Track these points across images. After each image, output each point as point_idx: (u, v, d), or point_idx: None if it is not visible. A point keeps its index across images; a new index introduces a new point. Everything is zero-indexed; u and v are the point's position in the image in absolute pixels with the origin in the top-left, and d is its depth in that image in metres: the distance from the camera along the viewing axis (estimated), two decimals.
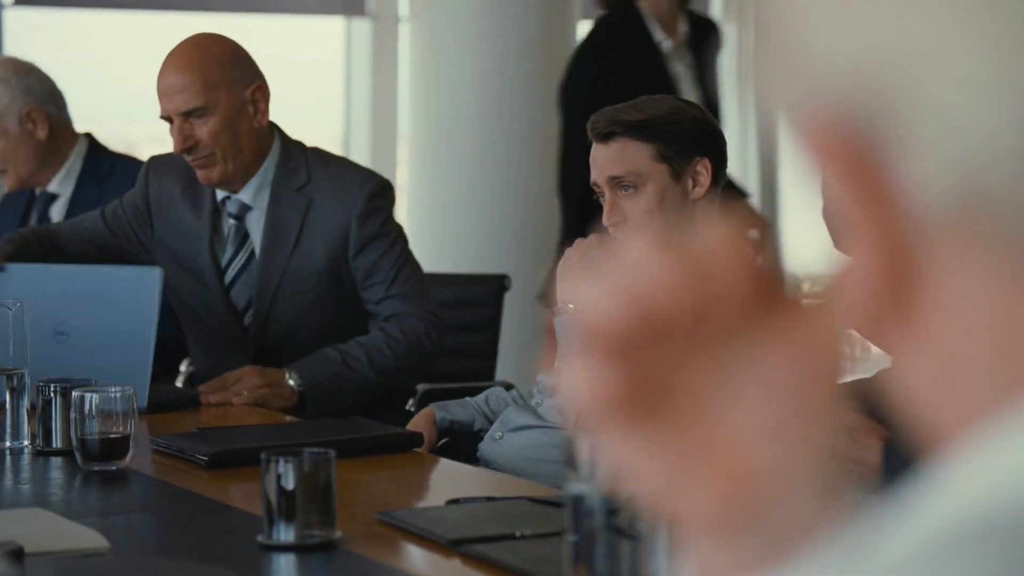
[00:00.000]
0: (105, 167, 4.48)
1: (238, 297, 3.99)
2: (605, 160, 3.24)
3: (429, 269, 4.94)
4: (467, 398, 3.65)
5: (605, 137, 3.24)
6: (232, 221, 3.99)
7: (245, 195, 3.97)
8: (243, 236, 4.00)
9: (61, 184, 4.35)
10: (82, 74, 7.38)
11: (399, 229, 3.98)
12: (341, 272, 3.93)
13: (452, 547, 2.26)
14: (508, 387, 3.73)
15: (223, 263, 3.99)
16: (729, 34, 8.17)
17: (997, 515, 0.61)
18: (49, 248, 4.01)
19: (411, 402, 4.05)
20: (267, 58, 4.04)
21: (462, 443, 3.49)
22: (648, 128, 3.23)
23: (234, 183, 3.95)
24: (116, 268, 3.87)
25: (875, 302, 0.67)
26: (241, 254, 3.99)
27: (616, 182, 3.23)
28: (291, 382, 3.74)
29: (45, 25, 6.90)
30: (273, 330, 3.94)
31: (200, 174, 3.91)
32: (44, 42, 6.98)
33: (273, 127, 3.98)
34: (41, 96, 4.49)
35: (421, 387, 4.10)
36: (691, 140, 3.26)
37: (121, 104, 7.61)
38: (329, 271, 3.93)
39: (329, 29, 7.29)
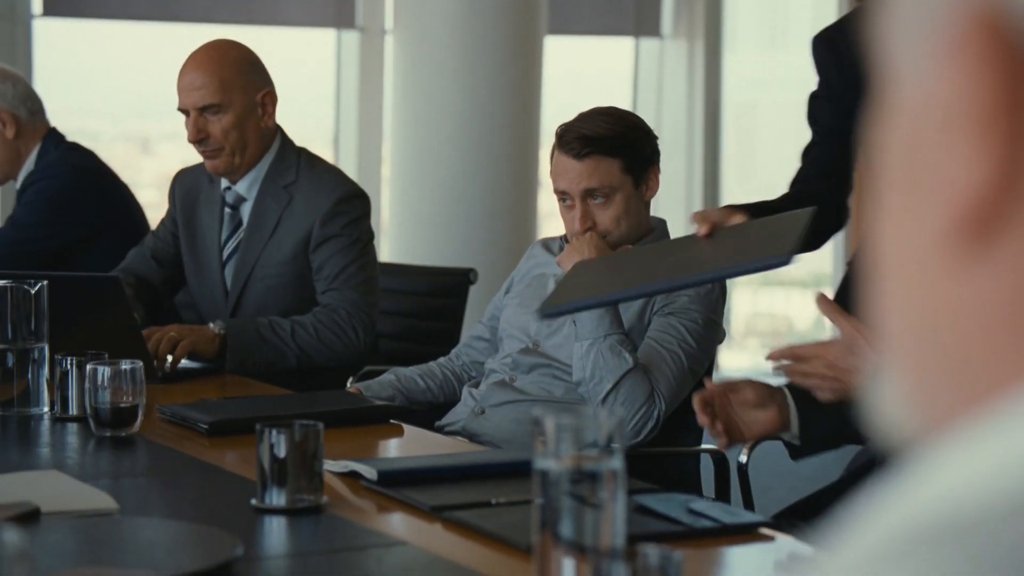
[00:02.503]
0: (51, 153, 4.59)
1: (228, 276, 4.03)
2: (581, 176, 3.27)
3: (404, 260, 4.89)
4: (380, 377, 3.62)
5: (580, 156, 3.25)
6: (228, 210, 4.04)
7: (241, 187, 4.01)
8: (237, 223, 4.06)
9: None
10: (103, 77, 7.31)
11: (361, 235, 3.96)
12: (303, 266, 3.96)
13: (434, 513, 2.20)
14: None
15: (221, 244, 3.99)
16: (679, 49, 8.14)
17: (954, 515, 0.56)
18: (141, 288, 4.07)
19: (351, 380, 4.00)
20: (267, 65, 4.04)
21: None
22: (617, 145, 3.26)
23: (236, 175, 3.98)
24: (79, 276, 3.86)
25: (978, 210, 0.58)
26: (234, 239, 4.04)
27: (589, 194, 3.25)
28: (212, 326, 3.75)
29: (70, 34, 6.87)
30: (243, 311, 3.98)
31: (208, 164, 3.99)
32: (68, 49, 6.93)
33: (278, 129, 3.99)
34: (12, 100, 4.55)
35: (367, 368, 4.05)
36: (648, 152, 3.33)
37: (137, 104, 7.55)
38: (293, 263, 3.95)
39: (322, 40, 7.28)
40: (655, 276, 2.60)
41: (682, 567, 1.47)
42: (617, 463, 1.60)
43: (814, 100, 3.41)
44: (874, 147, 0.62)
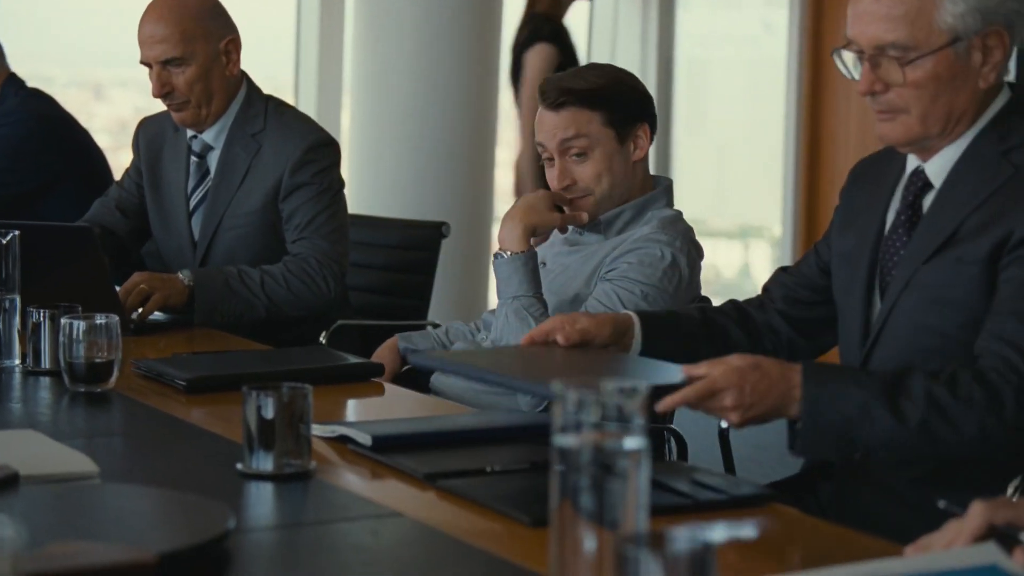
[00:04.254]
0: (10, 99, 4.48)
1: (195, 226, 3.88)
2: (556, 126, 3.09)
3: (372, 213, 4.73)
4: (428, 328, 3.47)
5: (556, 106, 3.08)
6: (195, 159, 3.90)
7: (208, 135, 3.87)
8: (204, 172, 3.90)
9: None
10: (56, 23, 7.09)
11: (331, 183, 3.81)
12: (272, 215, 3.81)
13: (427, 481, 2.05)
14: (435, 326, 3.54)
15: (187, 193, 3.84)
16: (633, 6, 7.99)
17: None
18: (105, 239, 3.89)
19: (324, 334, 3.85)
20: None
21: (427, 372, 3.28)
22: (596, 97, 3.08)
23: (203, 126, 3.86)
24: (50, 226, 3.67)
25: None
26: (201, 188, 3.89)
27: (566, 148, 3.08)
28: (181, 276, 3.60)
29: None
30: (212, 261, 3.84)
31: (174, 116, 3.85)
32: None
33: (243, 76, 3.83)
34: None
35: (340, 323, 3.90)
36: (634, 107, 3.13)
37: (90, 50, 7.34)
38: (262, 212, 3.81)
39: None
40: (518, 373, 2.31)
41: (715, 556, 1.33)
42: (640, 439, 1.46)
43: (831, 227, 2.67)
44: None
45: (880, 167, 2.54)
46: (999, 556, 1.60)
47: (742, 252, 9.17)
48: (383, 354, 3.37)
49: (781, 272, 2.72)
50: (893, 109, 2.32)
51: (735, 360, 2.10)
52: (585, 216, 3.10)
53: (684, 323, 2.59)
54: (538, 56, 6.54)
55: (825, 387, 2.09)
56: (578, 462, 1.46)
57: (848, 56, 2.35)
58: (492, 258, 3.07)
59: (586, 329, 2.40)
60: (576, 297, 3.08)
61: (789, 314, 2.66)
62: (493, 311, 3.39)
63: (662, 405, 2.00)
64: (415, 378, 3.28)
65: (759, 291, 2.73)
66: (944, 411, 2.10)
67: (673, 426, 3.03)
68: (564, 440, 1.47)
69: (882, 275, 2.41)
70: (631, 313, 2.52)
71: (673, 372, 2.13)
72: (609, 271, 3.05)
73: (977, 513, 1.66)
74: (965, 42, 2.29)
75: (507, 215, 3.09)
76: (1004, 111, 2.36)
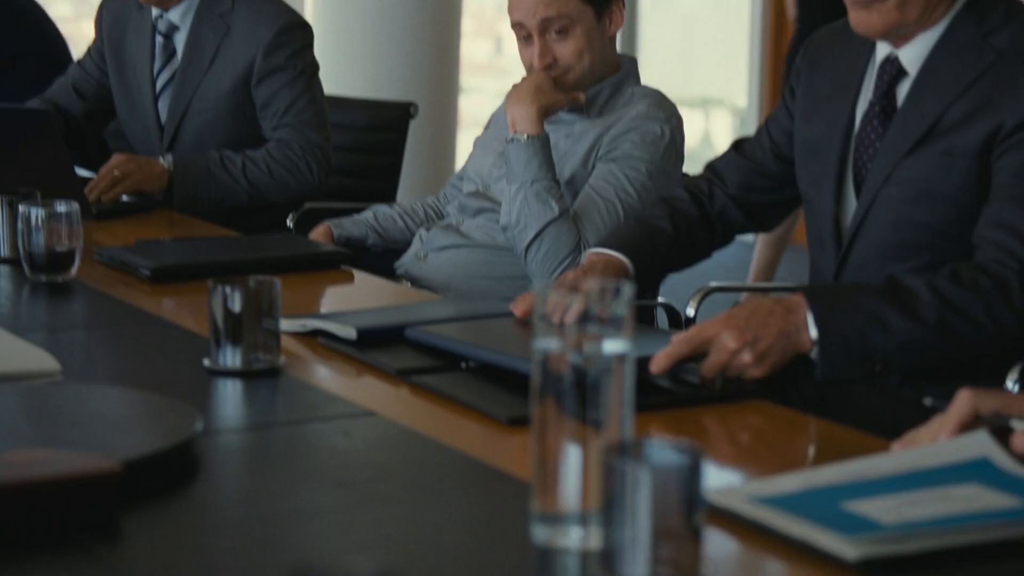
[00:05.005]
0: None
1: (162, 109, 3.77)
2: (537, 4, 2.98)
3: (338, 93, 4.61)
4: (356, 215, 3.39)
5: None
6: (160, 39, 3.76)
7: (174, 15, 3.74)
8: (171, 53, 3.78)
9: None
10: None
11: (306, 66, 3.69)
12: (243, 99, 3.70)
13: (400, 377, 1.98)
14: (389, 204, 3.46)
15: (153, 75, 3.70)
16: None
17: None
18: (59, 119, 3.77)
19: (291, 216, 3.76)
20: None
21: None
22: None
23: (168, 2, 3.70)
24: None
25: None
26: (167, 70, 3.77)
27: (547, 26, 2.98)
28: (162, 160, 3.52)
29: None
30: (180, 145, 3.73)
31: None
32: None
33: None
34: None
35: (308, 206, 3.81)
36: None
37: None
38: (232, 96, 3.70)
39: None
40: (500, 347, 2.17)
41: (701, 463, 1.26)
42: (624, 343, 1.38)
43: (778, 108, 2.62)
44: None
45: (840, 50, 2.44)
46: (990, 447, 1.54)
47: (703, 121, 9.10)
48: (317, 239, 3.30)
49: (734, 156, 2.62)
50: None
51: (722, 312, 2.01)
52: (583, 96, 3.04)
53: (658, 239, 2.53)
54: None
55: (832, 304, 2.00)
56: (560, 366, 1.38)
57: None
58: (507, 142, 2.98)
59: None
60: (572, 179, 3.01)
61: (743, 200, 2.59)
62: (453, 183, 3.33)
63: (655, 363, 1.91)
64: (380, 265, 3.20)
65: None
66: (956, 305, 2.02)
67: (662, 299, 2.96)
68: (546, 343, 1.39)
69: (856, 169, 2.32)
70: (623, 259, 2.44)
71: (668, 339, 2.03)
72: (610, 151, 2.98)
73: (963, 401, 1.60)
74: None
75: (515, 97, 3.00)
76: None
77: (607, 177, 2.96)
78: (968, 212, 2.17)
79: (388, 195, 4.17)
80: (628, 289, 1.39)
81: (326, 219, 3.37)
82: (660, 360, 1.91)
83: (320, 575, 0.95)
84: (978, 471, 1.51)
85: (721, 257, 2.96)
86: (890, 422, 1.81)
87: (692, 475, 1.27)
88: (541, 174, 2.93)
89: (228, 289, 1.98)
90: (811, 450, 1.80)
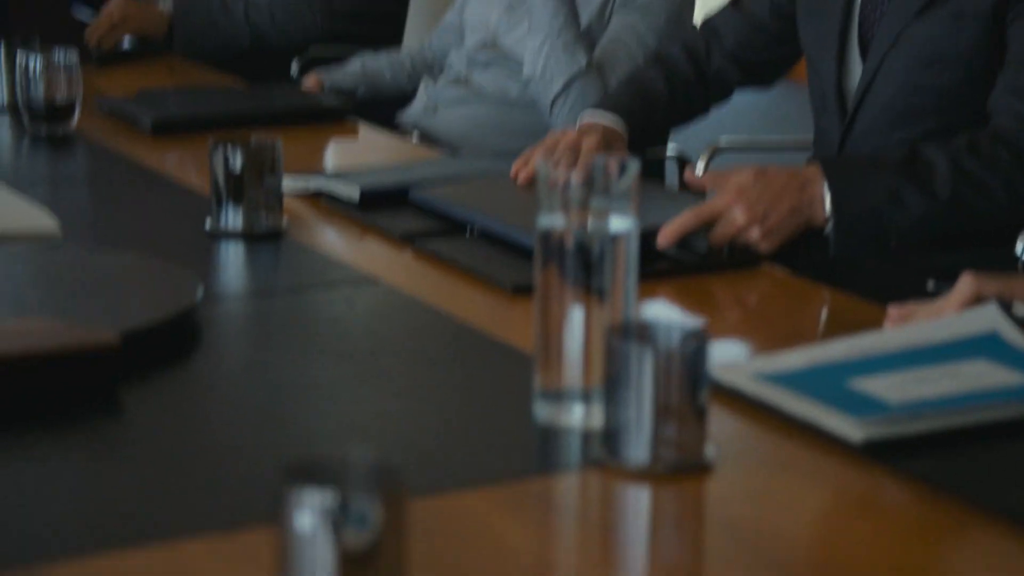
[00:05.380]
0: None
1: None
2: None
3: None
4: (346, 65, 3.32)
5: None
6: None
7: None
8: None
9: None
10: None
11: None
12: None
13: (404, 240, 1.94)
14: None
15: None
16: None
17: None
18: None
19: (294, 66, 3.69)
20: None
21: None
22: None
23: None
24: None
25: None
26: None
27: None
28: (161, 5, 3.47)
29: None
30: None
31: None
32: None
33: None
34: None
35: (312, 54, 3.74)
36: None
37: None
38: None
39: None
40: (507, 214, 2.08)
41: (707, 343, 1.24)
42: (629, 219, 1.35)
43: None
44: None
45: None
46: (999, 320, 1.52)
47: None
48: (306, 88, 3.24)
49: (732, 11, 2.53)
50: None
51: (735, 176, 1.95)
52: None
53: (654, 101, 2.45)
54: None
55: (849, 180, 1.95)
56: (564, 240, 1.35)
57: None
58: None
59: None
60: (589, 28, 2.93)
61: (740, 58, 2.50)
62: (440, 32, 3.26)
63: (662, 236, 1.86)
64: (379, 117, 3.14)
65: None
66: (972, 178, 1.98)
67: (671, 154, 2.91)
68: (549, 220, 1.36)
69: (862, 31, 2.25)
70: (618, 130, 2.37)
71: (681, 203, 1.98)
72: (627, 1, 2.90)
73: (966, 285, 1.57)
74: None
75: None
76: None
77: (627, 27, 2.89)
78: (979, 75, 2.11)
79: (395, 40, 4.09)
80: (634, 165, 1.35)
81: (316, 69, 3.31)
82: (667, 234, 1.87)
83: (318, 471, 0.93)
84: (987, 346, 1.49)
85: (738, 101, 2.90)
86: (901, 290, 1.79)
87: (697, 357, 1.25)
88: (568, 24, 2.86)
89: (229, 148, 1.94)
90: (818, 319, 1.78)
